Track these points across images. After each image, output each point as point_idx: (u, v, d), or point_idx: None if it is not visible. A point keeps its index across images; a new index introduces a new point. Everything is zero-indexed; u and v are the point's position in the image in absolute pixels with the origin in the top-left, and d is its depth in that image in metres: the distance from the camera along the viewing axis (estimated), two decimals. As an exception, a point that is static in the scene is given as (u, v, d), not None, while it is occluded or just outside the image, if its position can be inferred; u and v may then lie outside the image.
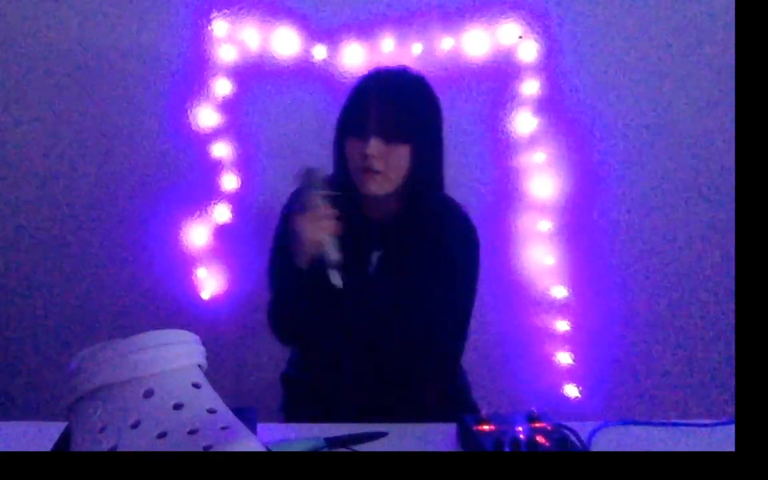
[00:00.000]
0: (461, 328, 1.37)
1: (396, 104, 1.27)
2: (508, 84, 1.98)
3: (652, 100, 2.01)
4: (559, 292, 2.02)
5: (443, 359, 1.38)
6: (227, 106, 1.96)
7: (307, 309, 1.28)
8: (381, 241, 1.33)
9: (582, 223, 2.03)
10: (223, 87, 1.95)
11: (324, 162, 1.86)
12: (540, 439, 0.91)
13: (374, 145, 1.23)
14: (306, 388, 1.41)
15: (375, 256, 1.32)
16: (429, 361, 1.33)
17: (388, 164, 1.25)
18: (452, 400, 1.42)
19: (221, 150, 1.97)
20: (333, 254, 1.21)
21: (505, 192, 2.02)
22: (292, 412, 1.45)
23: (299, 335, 1.37)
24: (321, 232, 1.21)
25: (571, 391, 2.02)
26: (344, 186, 1.30)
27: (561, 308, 2.03)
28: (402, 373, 1.31)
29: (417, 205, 1.33)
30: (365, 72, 1.36)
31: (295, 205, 1.26)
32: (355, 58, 1.94)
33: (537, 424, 0.95)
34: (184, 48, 1.95)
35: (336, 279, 1.20)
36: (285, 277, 1.30)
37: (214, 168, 1.97)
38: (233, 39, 1.94)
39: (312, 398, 1.39)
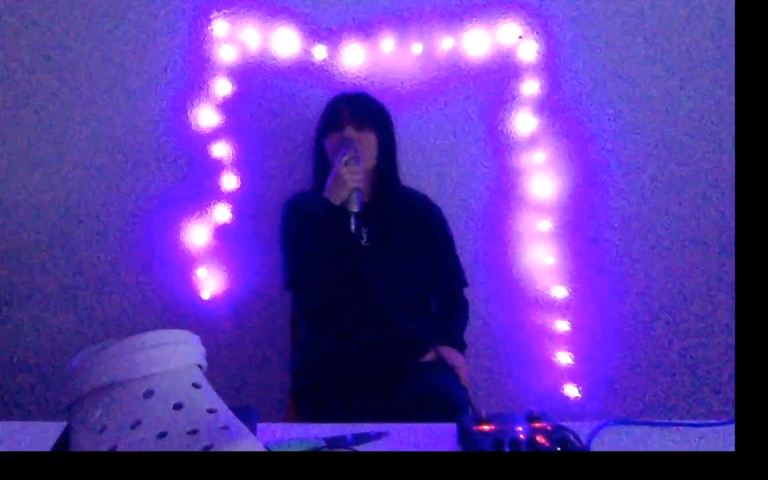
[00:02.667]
0: (452, 280, 1.74)
1: (362, 102, 1.70)
2: (508, 84, 1.98)
3: (652, 100, 2.01)
4: (559, 292, 2.02)
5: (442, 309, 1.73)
6: (227, 106, 1.96)
7: (325, 252, 1.57)
8: (367, 222, 1.65)
9: (582, 223, 2.03)
10: (223, 87, 1.95)
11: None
12: (540, 439, 0.91)
13: (348, 131, 1.62)
14: (315, 374, 1.57)
15: (364, 232, 1.65)
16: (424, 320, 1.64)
17: (360, 146, 1.60)
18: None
19: (221, 150, 1.97)
20: (354, 204, 1.56)
21: (505, 192, 2.02)
22: (301, 400, 1.58)
23: (314, 279, 1.61)
24: (355, 182, 1.56)
25: (571, 391, 2.02)
26: (324, 184, 1.60)
27: (561, 308, 2.03)
28: (401, 331, 1.57)
29: (386, 193, 1.71)
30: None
31: (338, 160, 1.58)
32: (355, 58, 1.94)
33: (537, 424, 0.95)
34: (184, 48, 1.95)
35: (354, 225, 1.56)
36: (307, 232, 1.61)
37: (214, 168, 1.97)
38: (233, 39, 1.94)
39: (321, 384, 1.54)
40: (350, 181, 1.55)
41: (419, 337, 1.58)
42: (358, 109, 1.66)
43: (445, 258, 1.74)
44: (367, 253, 1.63)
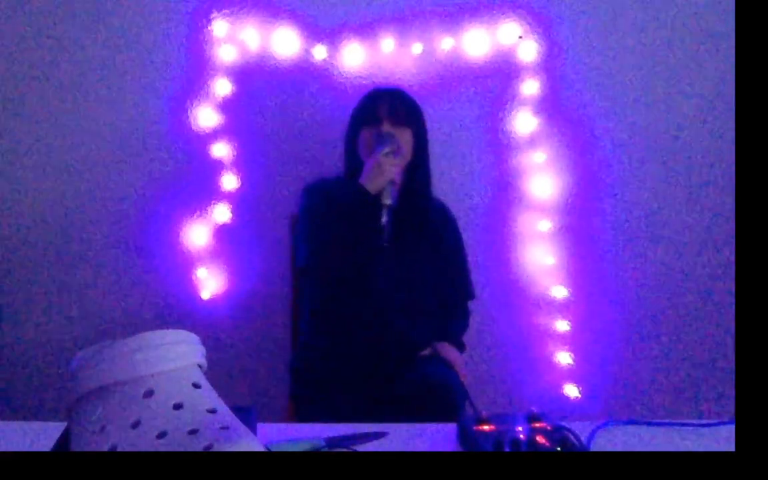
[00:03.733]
0: (462, 286, 1.74)
1: (399, 98, 1.66)
2: (508, 84, 1.98)
3: (652, 100, 2.01)
4: (559, 292, 2.02)
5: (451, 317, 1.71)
6: (227, 106, 1.96)
7: (349, 239, 1.54)
8: (391, 222, 1.59)
9: (582, 223, 2.03)
10: (223, 87, 1.95)
11: (325, 160, 1.87)
12: (540, 439, 0.91)
13: (386, 126, 1.60)
14: (315, 374, 1.57)
15: (384, 212, 1.57)
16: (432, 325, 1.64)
17: (398, 135, 1.59)
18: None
19: (221, 150, 1.97)
20: (388, 197, 1.54)
21: (505, 192, 2.02)
22: (300, 401, 1.58)
23: (333, 263, 1.57)
24: (391, 174, 1.54)
25: (571, 391, 2.02)
26: (358, 172, 1.58)
27: (561, 308, 2.03)
28: (409, 339, 1.57)
29: (414, 195, 1.67)
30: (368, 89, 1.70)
31: (379, 148, 1.56)
32: (355, 58, 1.94)
33: (537, 424, 0.95)
34: (184, 48, 1.95)
35: (384, 217, 1.53)
36: (333, 215, 1.57)
37: (214, 168, 1.97)
38: (233, 39, 1.94)
39: (321, 384, 1.54)
40: (389, 171, 1.54)
41: (418, 337, 1.58)
42: (396, 105, 1.64)
43: (457, 269, 1.73)
44: (386, 254, 1.58)
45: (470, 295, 1.75)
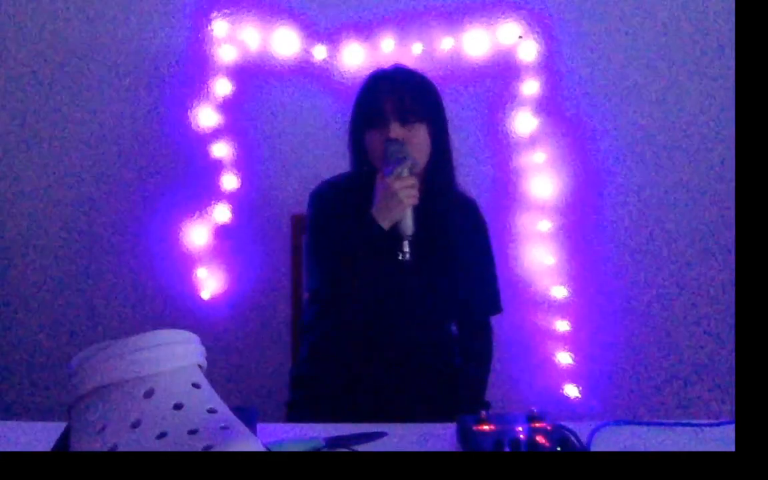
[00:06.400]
0: (494, 307, 1.52)
1: (407, 88, 1.38)
2: (508, 84, 1.98)
3: (652, 100, 2.01)
4: (559, 292, 2.02)
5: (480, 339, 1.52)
6: (227, 106, 1.96)
7: (368, 277, 1.35)
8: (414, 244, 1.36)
9: (582, 223, 2.03)
10: (223, 87, 1.95)
11: (325, 160, 1.87)
12: (540, 439, 0.91)
13: (394, 129, 1.33)
14: (316, 385, 1.44)
15: (406, 244, 1.35)
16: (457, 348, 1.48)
17: (410, 145, 1.34)
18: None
19: (221, 150, 1.97)
20: (410, 224, 1.32)
21: (505, 192, 2.01)
22: (298, 411, 1.45)
23: (353, 302, 1.41)
24: (411, 199, 1.31)
25: (571, 391, 2.02)
26: (366, 182, 1.37)
27: (561, 308, 2.03)
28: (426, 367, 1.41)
29: (438, 197, 1.42)
30: (367, 75, 1.46)
31: (384, 176, 1.32)
32: (355, 58, 1.94)
33: (537, 424, 0.95)
34: (184, 48, 1.95)
35: (406, 249, 1.32)
36: (351, 246, 1.36)
37: (214, 168, 1.97)
38: (233, 39, 1.94)
39: (322, 395, 1.41)
40: (407, 199, 1.30)
41: (438, 360, 1.42)
42: (405, 99, 1.36)
43: (486, 278, 1.51)
44: (410, 269, 1.37)
45: (495, 308, 1.52)
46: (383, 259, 1.33)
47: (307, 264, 1.49)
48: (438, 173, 1.43)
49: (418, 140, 1.36)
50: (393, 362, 1.39)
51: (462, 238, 1.44)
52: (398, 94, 1.36)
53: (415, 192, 1.31)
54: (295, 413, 1.46)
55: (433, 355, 1.43)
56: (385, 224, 1.31)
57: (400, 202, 1.29)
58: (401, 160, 1.31)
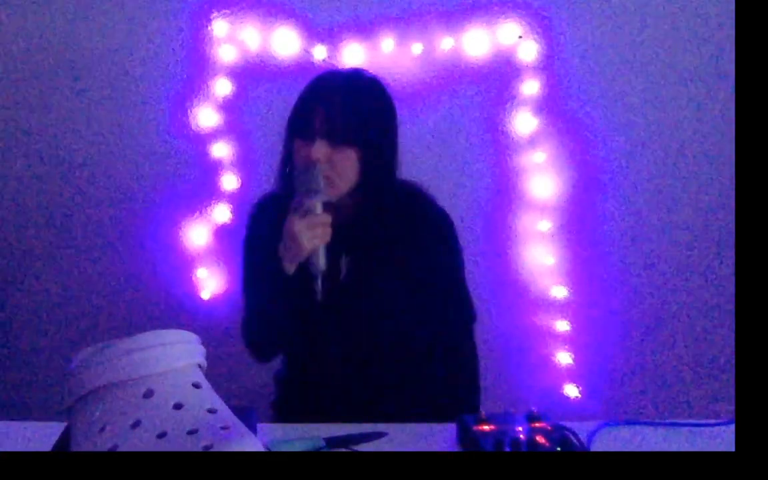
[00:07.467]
0: (456, 314, 1.39)
1: (343, 105, 1.22)
2: (508, 84, 1.98)
3: (652, 100, 2.01)
4: (559, 292, 2.02)
5: (445, 346, 1.39)
6: (227, 106, 1.96)
7: (286, 319, 1.26)
8: (346, 246, 1.27)
9: (582, 223, 2.03)
10: (223, 87, 1.95)
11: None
12: (540, 439, 0.91)
13: (319, 147, 1.18)
14: (299, 387, 1.40)
15: (343, 262, 1.26)
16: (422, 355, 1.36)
17: (333, 168, 1.19)
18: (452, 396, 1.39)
19: (221, 150, 1.97)
20: (321, 263, 1.18)
21: (505, 192, 2.01)
22: (283, 411, 1.43)
23: (276, 348, 1.36)
24: (318, 239, 1.17)
25: (571, 391, 2.02)
26: (291, 189, 1.24)
27: (561, 308, 2.03)
28: (394, 372, 1.32)
29: (373, 203, 1.27)
30: (319, 73, 1.35)
31: (294, 208, 1.20)
32: (355, 58, 1.94)
33: (537, 424, 0.95)
34: (184, 48, 1.95)
35: (320, 288, 1.19)
36: (265, 284, 1.25)
37: (214, 168, 1.97)
38: (233, 39, 1.94)
39: (305, 397, 1.37)
40: (309, 241, 1.15)
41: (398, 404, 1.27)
42: (335, 116, 1.20)
43: (449, 289, 1.37)
44: (344, 292, 1.26)
45: (470, 318, 1.41)
46: (298, 300, 1.22)
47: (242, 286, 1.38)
48: (370, 194, 1.26)
49: (342, 163, 1.20)
50: (369, 361, 1.31)
51: (407, 245, 1.29)
52: (330, 111, 1.21)
53: (321, 232, 1.17)
54: (279, 413, 1.43)
55: (408, 358, 1.34)
56: (288, 268, 1.19)
57: (301, 245, 1.15)
58: (312, 193, 1.17)
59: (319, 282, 1.19)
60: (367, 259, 1.28)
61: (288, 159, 1.28)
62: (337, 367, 1.31)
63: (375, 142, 1.24)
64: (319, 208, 1.18)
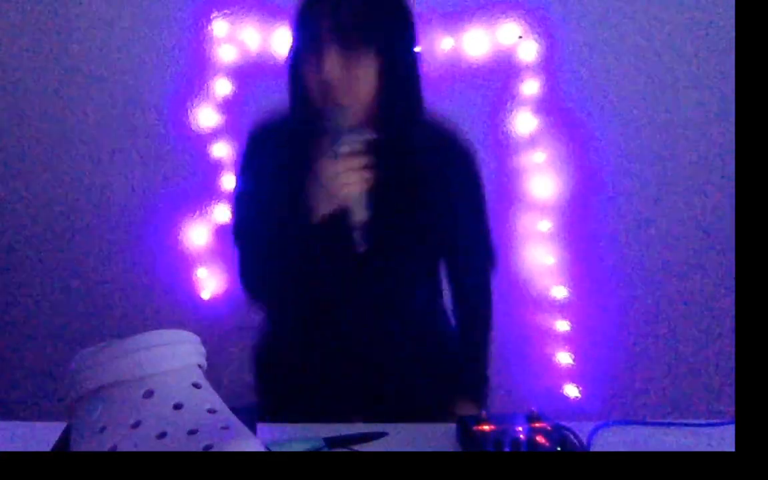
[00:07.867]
0: (483, 293, 1.25)
1: (353, 4, 1.04)
2: (508, 84, 1.98)
3: (652, 100, 2.01)
4: (559, 292, 2.02)
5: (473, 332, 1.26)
6: (227, 106, 1.96)
7: (304, 275, 1.08)
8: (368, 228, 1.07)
9: (582, 223, 2.03)
10: (223, 87, 1.95)
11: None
12: (540, 439, 0.91)
13: (332, 55, 1.01)
14: (282, 368, 1.30)
15: (358, 234, 1.07)
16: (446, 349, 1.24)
17: (349, 77, 1.02)
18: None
19: (221, 150, 1.97)
20: (360, 213, 1.02)
21: (505, 192, 2.01)
22: (264, 392, 1.34)
23: (280, 301, 1.20)
24: (355, 186, 1.01)
25: (571, 391, 2.02)
26: (302, 123, 1.09)
27: (561, 308, 2.03)
28: (404, 371, 1.21)
29: (397, 139, 1.09)
30: None
31: (326, 150, 1.02)
32: (355, 58, 1.94)
33: (537, 424, 0.95)
34: (184, 48, 1.95)
35: (359, 243, 1.04)
36: (281, 231, 1.07)
37: (214, 168, 1.97)
38: (233, 39, 1.94)
39: (290, 382, 1.29)
40: (347, 187, 1.01)
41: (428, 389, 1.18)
42: (348, 16, 1.02)
43: (474, 227, 1.22)
44: (362, 265, 1.10)
45: (492, 262, 1.25)
46: (328, 256, 1.06)
47: (235, 206, 1.21)
48: (394, 104, 1.07)
49: (360, 71, 1.02)
50: (366, 358, 1.18)
51: (436, 183, 1.12)
52: (341, 11, 1.03)
53: (360, 176, 1.01)
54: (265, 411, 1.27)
55: (417, 344, 1.20)
56: (316, 219, 1.03)
57: (337, 192, 1.00)
58: (340, 128, 1.01)
59: (357, 232, 1.03)
60: (390, 222, 1.09)
61: (297, 86, 1.10)
62: (342, 360, 1.18)
63: (396, 47, 1.07)
64: (356, 149, 1.02)
